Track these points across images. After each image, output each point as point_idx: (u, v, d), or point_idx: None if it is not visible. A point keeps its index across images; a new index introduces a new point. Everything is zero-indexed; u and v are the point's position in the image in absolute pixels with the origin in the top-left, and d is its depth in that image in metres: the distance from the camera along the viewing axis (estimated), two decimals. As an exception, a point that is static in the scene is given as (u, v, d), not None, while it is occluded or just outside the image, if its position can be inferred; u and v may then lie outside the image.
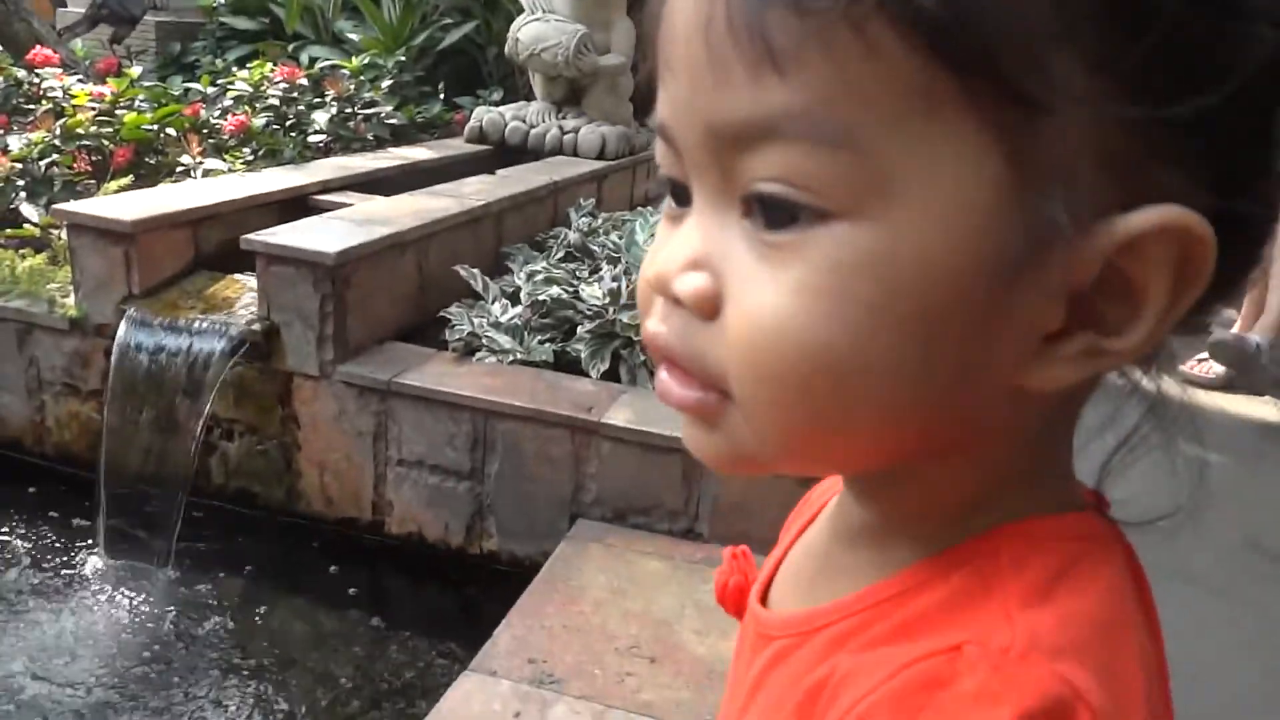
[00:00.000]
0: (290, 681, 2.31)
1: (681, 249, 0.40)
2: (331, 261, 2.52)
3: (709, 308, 0.38)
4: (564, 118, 4.32)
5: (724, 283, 0.38)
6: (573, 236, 3.30)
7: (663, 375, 0.41)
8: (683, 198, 0.41)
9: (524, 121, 4.34)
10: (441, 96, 4.80)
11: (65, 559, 2.70)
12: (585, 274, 3.00)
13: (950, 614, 0.38)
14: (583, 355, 2.65)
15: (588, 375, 2.62)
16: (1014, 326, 0.36)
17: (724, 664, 1.95)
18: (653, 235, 2.92)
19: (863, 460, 0.42)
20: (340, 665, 2.38)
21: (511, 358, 2.67)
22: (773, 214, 0.36)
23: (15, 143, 3.56)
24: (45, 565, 2.67)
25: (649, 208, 3.76)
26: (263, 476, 2.77)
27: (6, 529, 2.79)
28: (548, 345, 2.71)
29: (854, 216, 0.35)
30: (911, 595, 0.40)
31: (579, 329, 2.73)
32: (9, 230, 3.25)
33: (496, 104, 4.57)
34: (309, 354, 2.60)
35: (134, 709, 2.19)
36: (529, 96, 4.57)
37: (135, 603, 2.54)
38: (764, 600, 0.52)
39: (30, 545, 2.74)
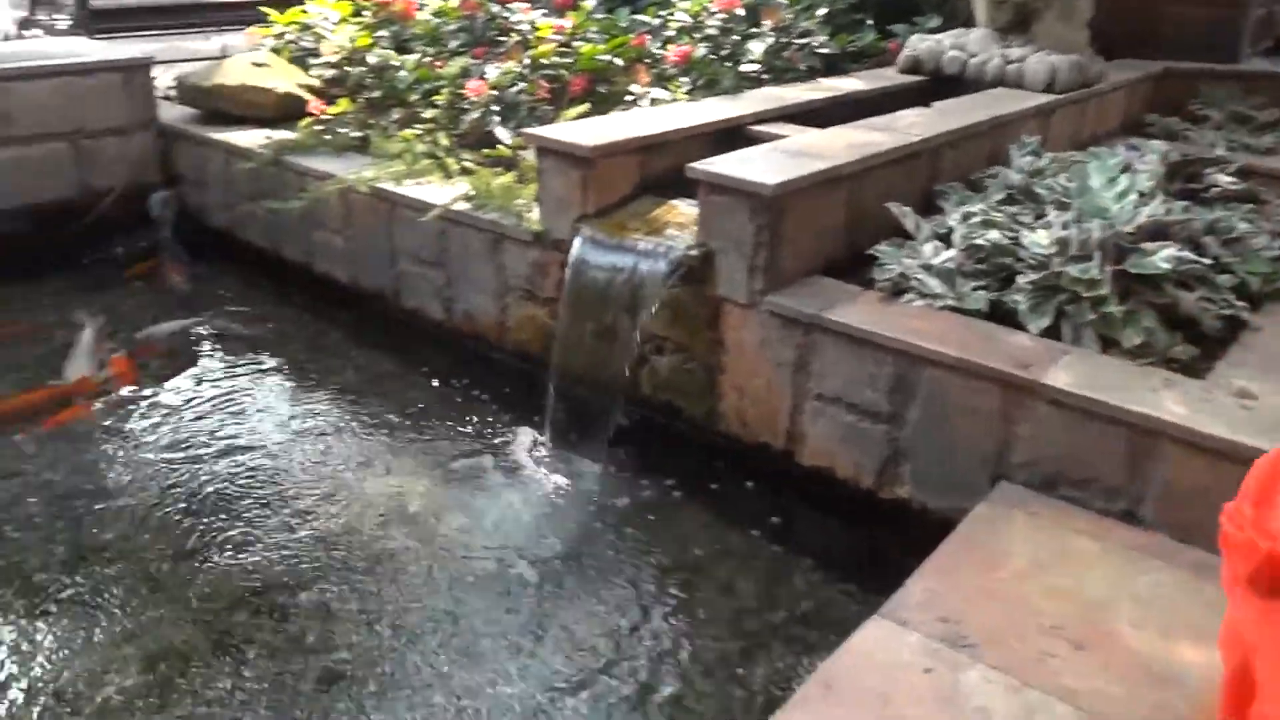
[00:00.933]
0: (696, 588, 2.46)
1: None
2: (769, 193, 2.57)
3: None
4: (1009, 45, 4.03)
5: None
6: (1014, 177, 3.09)
7: None
8: None
9: (963, 50, 4.10)
10: (872, 24, 4.67)
11: (514, 440, 3.06)
12: (1028, 219, 2.80)
13: None
14: (1021, 307, 2.50)
15: (1025, 329, 2.46)
16: None
17: (1163, 665, 1.80)
18: (1112, 180, 2.65)
19: None
20: (743, 581, 2.50)
21: (941, 303, 2.57)
22: None
23: (491, 72, 3.97)
24: (497, 441, 3.05)
25: (1105, 147, 3.41)
26: (686, 393, 2.93)
27: (470, 408, 3.21)
28: (981, 293, 2.57)
29: None
30: None
31: (1018, 279, 2.56)
32: (486, 150, 3.66)
33: (933, 31, 4.36)
34: (740, 282, 2.68)
35: (551, 587, 2.45)
36: (969, 23, 4.31)
37: (568, 489, 2.83)
38: None
39: (487, 424, 3.14)
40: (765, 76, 4.11)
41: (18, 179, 4.06)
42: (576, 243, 2.91)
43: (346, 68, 4.45)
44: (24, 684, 2.09)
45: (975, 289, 2.59)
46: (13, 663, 2.15)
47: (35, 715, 2.01)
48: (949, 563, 2.06)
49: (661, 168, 3.14)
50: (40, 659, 2.16)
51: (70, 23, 6.68)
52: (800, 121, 3.40)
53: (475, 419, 3.16)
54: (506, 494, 2.81)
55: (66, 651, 2.18)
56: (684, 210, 2.98)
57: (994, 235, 2.68)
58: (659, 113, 3.47)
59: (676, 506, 2.77)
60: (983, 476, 2.38)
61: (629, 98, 3.79)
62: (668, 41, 4.29)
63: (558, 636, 2.28)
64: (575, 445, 2.96)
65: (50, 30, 6.76)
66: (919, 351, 2.40)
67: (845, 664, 1.80)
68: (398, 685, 2.12)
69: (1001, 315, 2.53)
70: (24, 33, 5.91)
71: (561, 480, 2.87)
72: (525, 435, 3.07)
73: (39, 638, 2.22)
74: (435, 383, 3.40)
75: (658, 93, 3.77)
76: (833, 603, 2.43)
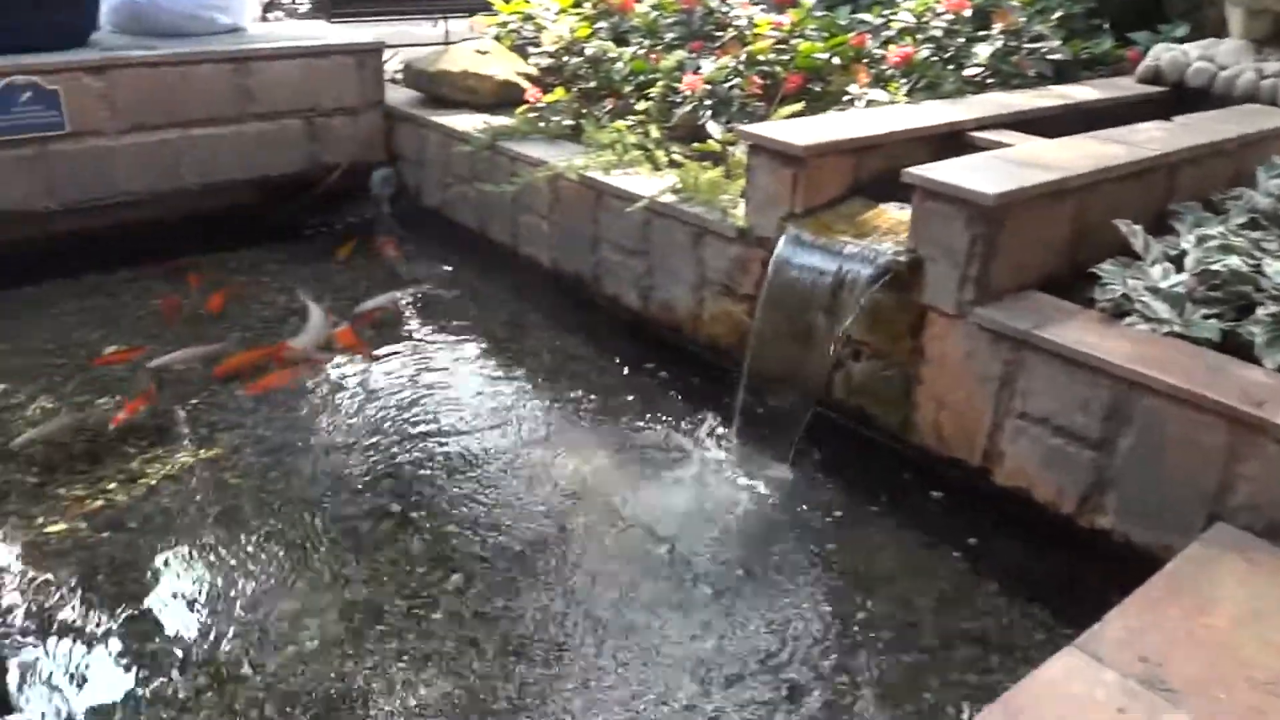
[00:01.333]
0: (875, 597, 2.41)
1: None
2: (990, 203, 2.48)
3: None
4: (1264, 59, 3.73)
5: None
6: (1261, 201, 2.86)
7: None
8: None
9: (1212, 62, 3.82)
10: (1110, 30, 4.42)
11: (701, 432, 3.09)
12: (1273, 246, 2.59)
13: None
14: (1257, 340, 2.32)
15: (1260, 364, 2.29)
16: None
17: None
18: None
19: None
20: (924, 596, 2.43)
21: (1167, 329, 2.42)
22: None
23: (706, 66, 4.01)
24: (684, 431, 3.08)
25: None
26: (881, 400, 2.88)
27: (659, 397, 3.26)
28: (1214, 322, 2.40)
29: None
30: None
31: (1257, 310, 2.38)
32: (695, 144, 3.71)
33: (1179, 41, 4.08)
34: (949, 291, 2.61)
35: (726, 581, 2.45)
36: (1219, 33, 4.02)
37: (752, 486, 2.83)
38: None
39: (675, 413, 3.18)
40: (990, 81, 3.97)
41: (256, 152, 4.40)
42: (781, 241, 2.91)
43: (564, 57, 4.60)
44: (232, 618, 2.27)
45: (1206, 317, 2.42)
46: (225, 597, 2.34)
47: (241, 648, 2.18)
48: (1153, 601, 1.94)
49: (874, 170, 3.09)
50: (248, 597, 2.34)
51: (310, 6, 7.20)
52: (1026, 130, 3.26)
53: (664, 408, 3.21)
54: (690, 485, 2.85)
55: (271, 593, 2.35)
56: (894, 215, 2.92)
57: (1233, 261, 2.50)
58: (876, 114, 3.41)
59: (861, 514, 2.73)
60: (1196, 515, 2.22)
61: (846, 97, 3.74)
62: (888, 42, 4.21)
63: (726, 632, 2.28)
64: (763, 443, 2.96)
65: (291, 13, 7.30)
66: (1139, 378, 2.27)
67: (1033, 692, 1.73)
68: (571, 663, 2.18)
69: (1234, 347, 2.36)
70: (267, 15, 6.41)
71: (746, 477, 2.87)
72: (713, 428, 3.10)
73: (248, 578, 2.40)
74: (627, 369, 3.47)
75: (875, 94, 3.71)
76: (1017, 627, 2.34)
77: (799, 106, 3.65)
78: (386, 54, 4.85)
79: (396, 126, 4.70)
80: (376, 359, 3.49)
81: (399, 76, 5.00)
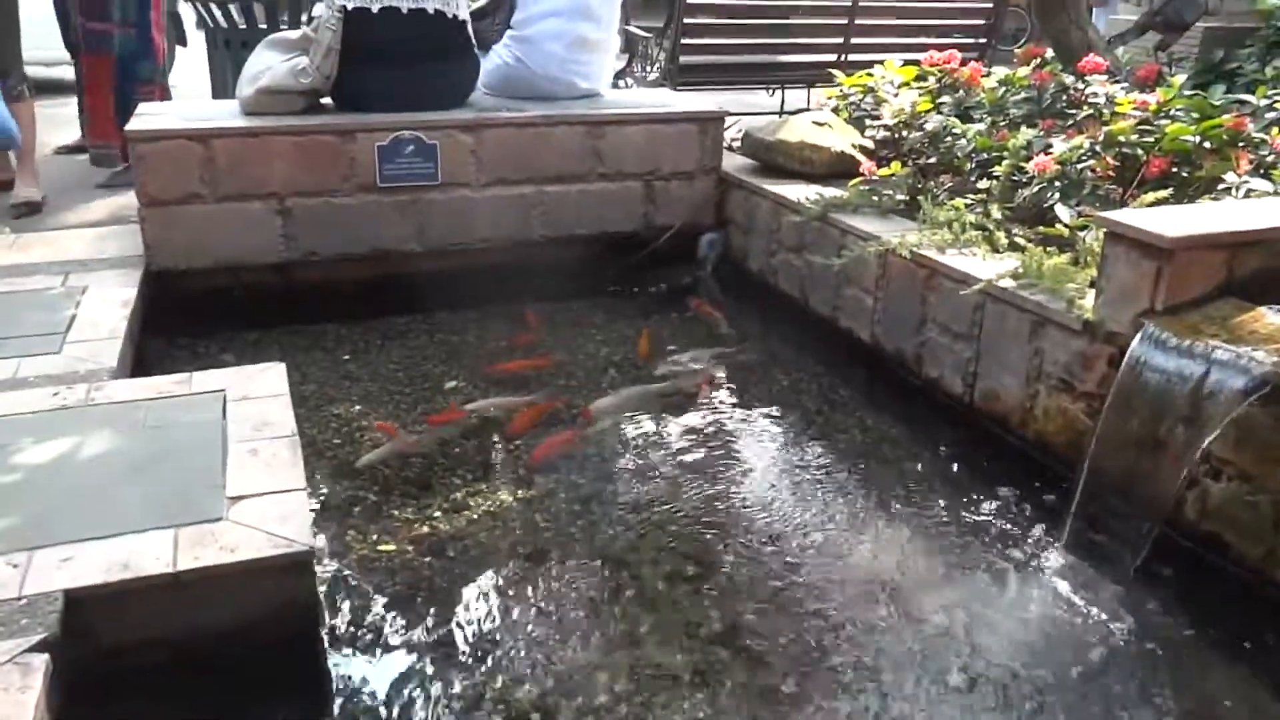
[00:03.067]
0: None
1: None
2: None
3: None
4: None
5: None
6: None
7: None
8: None
9: None
10: None
11: (1023, 536, 2.85)
12: None
13: None
14: None
15: None
16: None
17: None
18: None
19: None
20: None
21: None
22: None
23: (1057, 145, 3.76)
24: (1003, 533, 2.85)
25: None
26: (1241, 529, 2.51)
27: (976, 492, 3.05)
28: None
29: None
30: None
31: None
32: (1041, 227, 3.47)
33: None
34: (1346, 416, 2.24)
35: (1036, 705, 2.21)
36: None
37: (1078, 605, 2.55)
38: None
39: (994, 512, 2.95)
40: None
41: (598, 210, 4.65)
42: (1136, 340, 2.63)
43: (903, 131, 4.51)
44: (531, 660, 2.34)
45: None
46: (526, 638, 2.41)
47: (537, 694, 2.23)
48: None
49: (1250, 269, 2.74)
50: (546, 643, 2.40)
51: (657, 74, 7.59)
52: None
53: (981, 505, 2.99)
54: (1007, 593, 2.62)
55: (568, 642, 2.40)
56: (1274, 320, 2.56)
57: None
58: (1257, 205, 3.03)
59: (1205, 654, 2.39)
60: None
61: (1221, 185, 3.36)
62: (1272, 125, 3.75)
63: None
64: (1096, 558, 2.67)
65: (641, 81, 7.75)
66: None
67: None
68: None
69: None
70: (618, 83, 6.82)
71: (1073, 593, 2.60)
72: (1036, 533, 2.84)
73: (548, 624, 2.47)
74: (942, 458, 3.29)
75: (1256, 183, 3.30)
76: None
77: (1164, 194, 3.32)
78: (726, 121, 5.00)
79: (729, 192, 4.80)
80: (687, 416, 3.53)
81: (734, 144, 5.12)
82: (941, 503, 3.02)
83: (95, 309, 3.52)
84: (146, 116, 4.13)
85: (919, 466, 3.25)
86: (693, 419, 3.53)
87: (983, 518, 2.94)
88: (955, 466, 3.23)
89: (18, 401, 2.74)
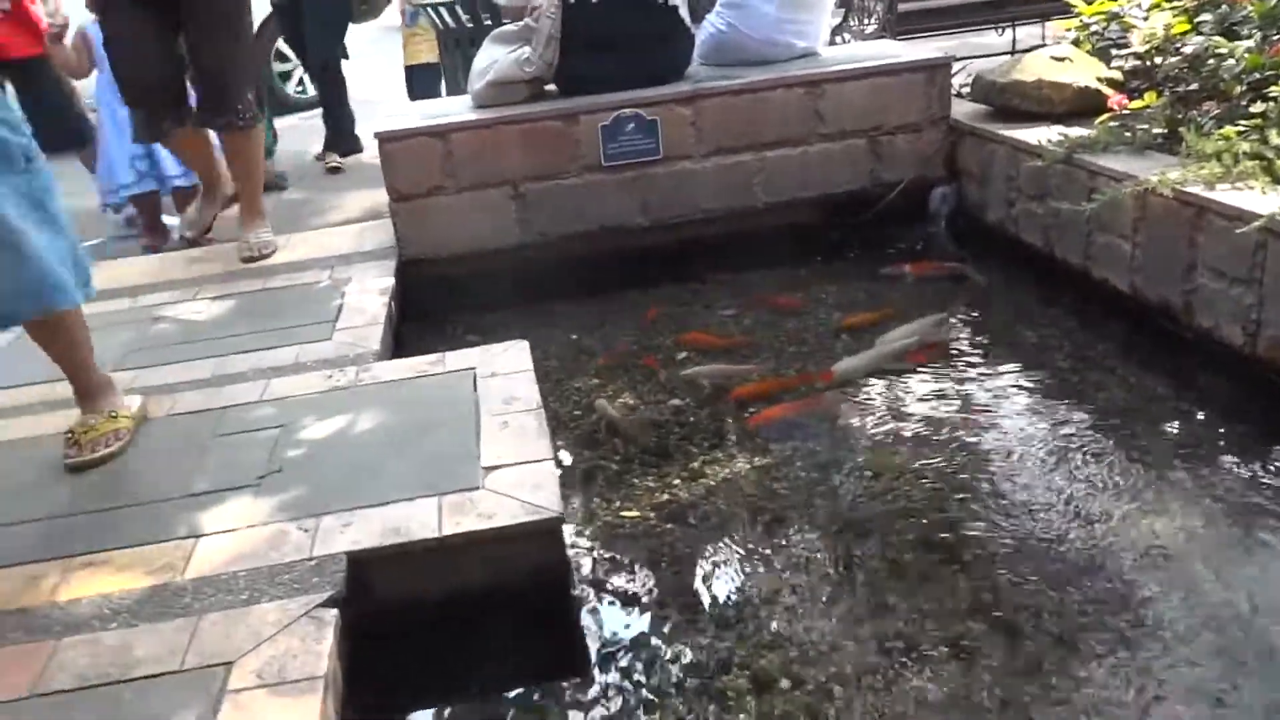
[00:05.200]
0: None
1: None
2: None
3: None
4: None
5: None
6: None
7: None
8: None
9: None
10: None
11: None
12: None
13: None
14: None
15: None
16: None
17: None
18: None
19: None
20: None
21: None
22: None
23: (1351, 55, 3.31)
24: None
25: None
26: None
27: (1261, 452, 2.75)
28: None
29: None
30: None
31: None
32: (1332, 150, 3.07)
33: None
34: None
35: None
36: None
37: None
38: None
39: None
40: None
41: (820, 171, 4.54)
42: None
43: (1155, 58, 4.11)
44: (775, 630, 2.31)
45: None
46: (770, 605, 2.39)
47: (782, 660, 2.20)
48: None
49: None
50: (789, 610, 2.37)
51: (875, 26, 7.30)
52: None
53: (1272, 467, 2.70)
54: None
55: (811, 611, 2.36)
56: None
57: None
58: None
59: None
60: None
61: None
62: None
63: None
64: None
65: (859, 35, 7.48)
66: None
67: None
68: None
69: None
70: (835, 39, 6.60)
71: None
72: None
73: (791, 591, 2.44)
74: (1221, 416, 2.99)
75: None
76: None
77: None
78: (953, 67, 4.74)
79: (960, 142, 4.56)
80: (923, 380, 3.40)
81: (964, 90, 4.85)
82: (1217, 465, 2.74)
83: (358, 298, 3.83)
84: (392, 118, 4.42)
85: (1194, 427, 2.97)
86: (933, 380, 3.39)
87: (1267, 481, 2.64)
88: (1239, 426, 2.93)
89: (300, 384, 3.03)
